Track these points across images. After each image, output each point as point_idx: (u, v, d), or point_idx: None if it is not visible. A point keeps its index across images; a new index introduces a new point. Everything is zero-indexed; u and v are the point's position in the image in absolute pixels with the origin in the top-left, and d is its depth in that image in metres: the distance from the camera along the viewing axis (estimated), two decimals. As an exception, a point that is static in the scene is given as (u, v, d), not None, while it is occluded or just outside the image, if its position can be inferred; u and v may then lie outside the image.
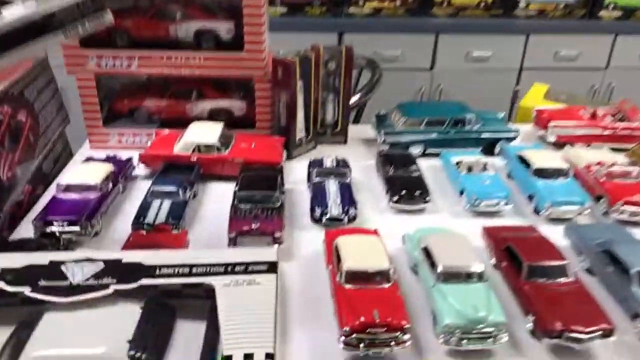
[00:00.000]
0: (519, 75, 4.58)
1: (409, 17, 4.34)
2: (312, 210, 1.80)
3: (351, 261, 1.38)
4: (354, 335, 1.24)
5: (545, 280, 1.40)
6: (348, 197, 1.83)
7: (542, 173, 1.91)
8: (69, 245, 1.61)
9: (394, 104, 2.38)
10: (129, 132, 2.27)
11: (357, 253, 1.43)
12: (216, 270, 1.26)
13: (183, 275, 1.25)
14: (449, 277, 1.37)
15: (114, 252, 1.39)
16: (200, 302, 1.28)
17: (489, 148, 2.25)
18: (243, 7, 2.05)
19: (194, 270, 1.26)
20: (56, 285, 1.21)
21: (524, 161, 2.00)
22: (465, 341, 1.28)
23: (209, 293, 1.22)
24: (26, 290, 1.20)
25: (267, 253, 1.34)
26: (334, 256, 1.47)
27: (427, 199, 1.88)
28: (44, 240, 1.59)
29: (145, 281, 1.22)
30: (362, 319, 1.24)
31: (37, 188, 2.00)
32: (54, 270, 1.23)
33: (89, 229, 1.65)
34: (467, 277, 1.38)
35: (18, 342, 1.13)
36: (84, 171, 1.86)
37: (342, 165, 2.00)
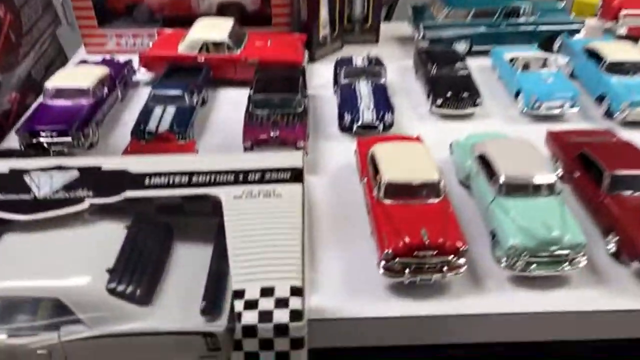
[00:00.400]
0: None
1: None
2: (341, 117, 1.53)
3: (391, 172, 1.13)
4: (397, 260, 1.01)
5: (633, 193, 1.14)
6: (383, 101, 1.55)
7: (617, 68, 1.60)
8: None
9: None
10: (128, 32, 2.00)
11: (398, 163, 1.18)
12: (224, 178, 0.99)
13: (181, 185, 0.98)
14: (512, 189, 1.12)
15: (92, 157, 1.13)
16: (205, 220, 1.02)
17: (546, 43, 1.91)
18: None
19: (195, 179, 0.99)
20: (17, 199, 0.96)
21: (593, 55, 1.67)
22: (534, 266, 1.04)
23: (217, 208, 0.96)
24: None
25: (289, 158, 1.05)
26: (369, 167, 1.23)
27: (478, 101, 1.58)
28: (31, 152, 1.37)
29: (131, 193, 0.96)
30: (407, 239, 1.01)
31: (27, 96, 1.78)
32: (15, 180, 0.99)
33: (82, 139, 1.44)
34: (534, 189, 1.12)
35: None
36: (75, 74, 1.62)
37: (375, 64, 1.69)
